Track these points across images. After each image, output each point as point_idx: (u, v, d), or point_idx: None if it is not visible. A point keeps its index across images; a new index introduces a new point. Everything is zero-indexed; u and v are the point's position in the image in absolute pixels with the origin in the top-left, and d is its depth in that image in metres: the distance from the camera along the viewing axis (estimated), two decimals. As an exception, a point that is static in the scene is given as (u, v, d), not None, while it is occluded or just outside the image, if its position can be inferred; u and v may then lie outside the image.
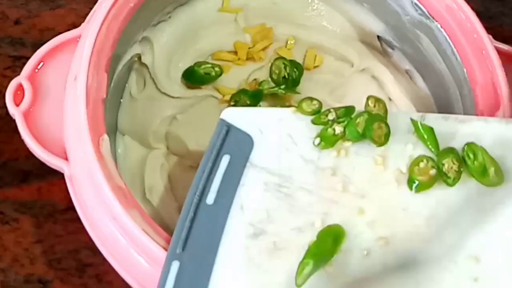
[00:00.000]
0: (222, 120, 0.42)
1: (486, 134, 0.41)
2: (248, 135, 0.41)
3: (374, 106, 0.41)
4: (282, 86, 0.53)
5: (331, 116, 0.41)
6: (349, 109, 0.41)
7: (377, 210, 0.39)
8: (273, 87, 0.53)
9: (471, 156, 0.40)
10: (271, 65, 0.54)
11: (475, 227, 0.38)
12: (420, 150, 0.41)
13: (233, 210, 0.39)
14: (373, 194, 0.40)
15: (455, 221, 0.39)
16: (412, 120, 0.41)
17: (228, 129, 0.41)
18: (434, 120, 0.42)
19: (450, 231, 0.38)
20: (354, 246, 0.38)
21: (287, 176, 0.40)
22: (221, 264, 0.38)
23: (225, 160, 0.40)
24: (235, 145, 0.41)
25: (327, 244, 0.37)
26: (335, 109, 0.41)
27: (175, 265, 0.38)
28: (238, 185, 0.40)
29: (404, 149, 0.41)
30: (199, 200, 0.39)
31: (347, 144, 0.41)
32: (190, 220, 0.39)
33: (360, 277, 0.37)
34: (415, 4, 0.50)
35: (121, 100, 0.52)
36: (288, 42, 0.55)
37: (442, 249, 0.38)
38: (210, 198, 0.39)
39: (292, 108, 0.42)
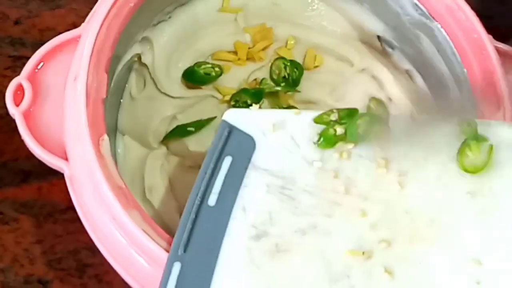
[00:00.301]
0: (224, 122, 0.42)
1: (489, 137, 0.41)
2: (250, 137, 0.41)
3: (376, 108, 0.41)
4: (282, 84, 0.53)
5: (333, 117, 0.41)
6: (352, 111, 0.41)
7: (379, 212, 0.39)
8: (274, 86, 0.53)
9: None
10: (271, 65, 0.54)
11: (476, 230, 0.39)
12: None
13: (235, 211, 0.39)
14: (376, 197, 0.40)
15: (456, 224, 0.39)
16: None
17: (230, 130, 0.41)
18: (437, 122, 0.42)
19: (452, 234, 0.38)
20: (356, 248, 0.38)
21: (290, 178, 0.40)
22: (223, 266, 0.38)
23: (227, 161, 0.40)
24: (237, 146, 0.41)
25: None
26: (338, 110, 0.41)
27: (176, 267, 0.38)
28: (240, 186, 0.40)
29: (407, 152, 0.41)
30: (200, 201, 0.39)
31: (350, 146, 0.41)
32: (191, 221, 0.39)
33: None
34: (415, 4, 0.50)
35: (121, 100, 0.52)
36: (288, 42, 0.55)
37: (444, 252, 0.38)
38: (212, 200, 0.39)
39: (295, 110, 0.42)
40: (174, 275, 0.38)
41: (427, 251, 0.38)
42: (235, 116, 0.42)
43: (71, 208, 0.43)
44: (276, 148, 0.41)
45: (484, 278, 0.37)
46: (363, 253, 0.38)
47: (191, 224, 0.39)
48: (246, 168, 0.40)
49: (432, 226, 0.39)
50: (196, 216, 0.39)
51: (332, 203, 0.39)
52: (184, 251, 0.38)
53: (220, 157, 0.40)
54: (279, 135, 0.41)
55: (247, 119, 0.42)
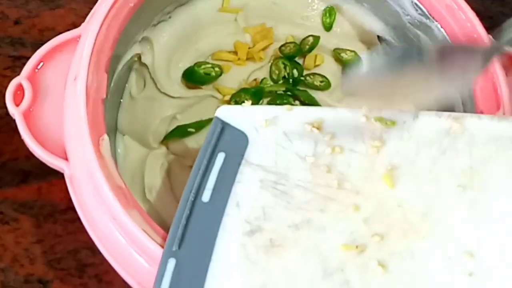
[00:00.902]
0: (217, 118, 0.42)
1: (479, 130, 0.41)
2: (243, 133, 0.41)
3: None
4: (283, 88, 0.53)
5: None
6: None
7: (372, 206, 0.39)
8: (273, 85, 0.53)
9: None
10: (271, 65, 0.54)
11: (469, 223, 0.39)
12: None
13: (229, 207, 0.39)
14: (368, 191, 0.40)
15: (448, 217, 0.39)
16: None
17: (222, 127, 0.41)
18: (428, 117, 0.42)
19: (444, 227, 0.39)
20: (350, 242, 0.38)
21: (283, 174, 0.40)
22: (218, 262, 0.38)
23: (220, 157, 0.40)
24: (230, 143, 0.41)
25: None
26: None
27: (171, 263, 0.38)
28: (234, 182, 0.40)
29: (399, 146, 0.41)
30: (194, 197, 0.39)
31: (343, 141, 0.41)
32: (186, 217, 0.39)
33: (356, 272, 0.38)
34: (415, 4, 0.50)
35: (121, 100, 0.52)
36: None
37: (436, 245, 0.38)
38: (205, 196, 0.39)
39: (287, 106, 0.42)
40: (169, 271, 0.38)
41: (419, 244, 0.38)
42: (228, 113, 0.42)
43: (71, 208, 0.43)
44: (268, 144, 0.41)
45: (476, 270, 0.37)
46: (357, 247, 0.38)
47: (185, 221, 0.39)
48: (239, 164, 0.40)
49: (424, 219, 0.39)
50: (190, 212, 0.39)
51: (325, 198, 0.39)
52: (179, 247, 0.38)
53: (213, 154, 0.40)
54: (271, 131, 0.41)
55: (239, 115, 0.42)
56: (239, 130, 0.41)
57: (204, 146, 0.41)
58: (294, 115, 0.42)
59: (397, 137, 0.41)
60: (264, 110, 0.43)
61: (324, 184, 0.40)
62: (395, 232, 0.38)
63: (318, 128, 0.42)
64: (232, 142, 0.41)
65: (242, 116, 0.42)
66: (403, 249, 0.38)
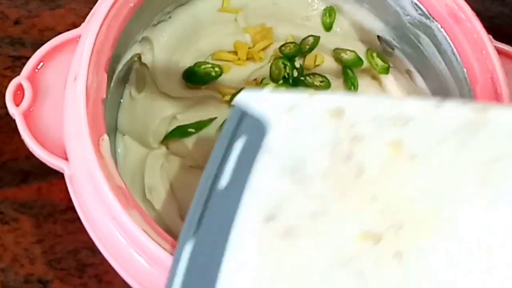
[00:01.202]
0: (237, 104, 0.41)
1: (503, 122, 0.39)
2: (263, 119, 0.40)
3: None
4: (283, 88, 0.53)
5: None
6: None
7: (389, 197, 0.38)
8: (273, 85, 0.53)
9: None
10: (271, 65, 0.54)
11: (489, 218, 0.38)
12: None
13: (246, 195, 0.38)
14: (386, 181, 0.39)
15: (467, 211, 0.38)
16: None
17: (242, 113, 0.41)
18: (451, 107, 0.40)
19: (463, 221, 0.38)
20: (366, 233, 0.38)
21: (301, 162, 0.39)
22: (234, 249, 0.37)
23: (239, 144, 0.40)
24: (249, 129, 0.40)
25: None
26: None
27: (188, 247, 0.37)
28: (252, 170, 0.39)
29: (420, 137, 0.40)
30: (212, 184, 0.39)
31: (363, 130, 0.40)
32: (202, 204, 0.38)
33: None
34: (415, 4, 0.50)
35: (121, 100, 0.52)
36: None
37: (454, 240, 0.37)
38: (223, 183, 0.39)
39: (308, 91, 0.42)
40: (185, 256, 0.37)
41: (437, 238, 0.37)
42: (247, 99, 0.41)
43: (71, 208, 0.43)
44: (288, 131, 0.40)
45: (495, 266, 0.36)
46: (373, 238, 0.37)
47: (202, 207, 0.38)
48: (257, 151, 0.39)
49: (443, 212, 0.38)
50: (207, 199, 0.38)
51: (343, 187, 0.39)
52: (195, 233, 0.38)
53: (232, 140, 0.40)
54: (291, 118, 0.41)
55: (259, 101, 0.41)
56: (258, 117, 0.40)
57: (223, 132, 0.40)
58: (314, 102, 0.41)
59: (419, 127, 0.40)
60: (284, 96, 0.42)
61: (342, 173, 0.39)
62: (412, 224, 0.38)
63: (338, 116, 0.41)
64: (251, 129, 0.40)
65: (262, 102, 0.41)
66: (419, 241, 0.37)
